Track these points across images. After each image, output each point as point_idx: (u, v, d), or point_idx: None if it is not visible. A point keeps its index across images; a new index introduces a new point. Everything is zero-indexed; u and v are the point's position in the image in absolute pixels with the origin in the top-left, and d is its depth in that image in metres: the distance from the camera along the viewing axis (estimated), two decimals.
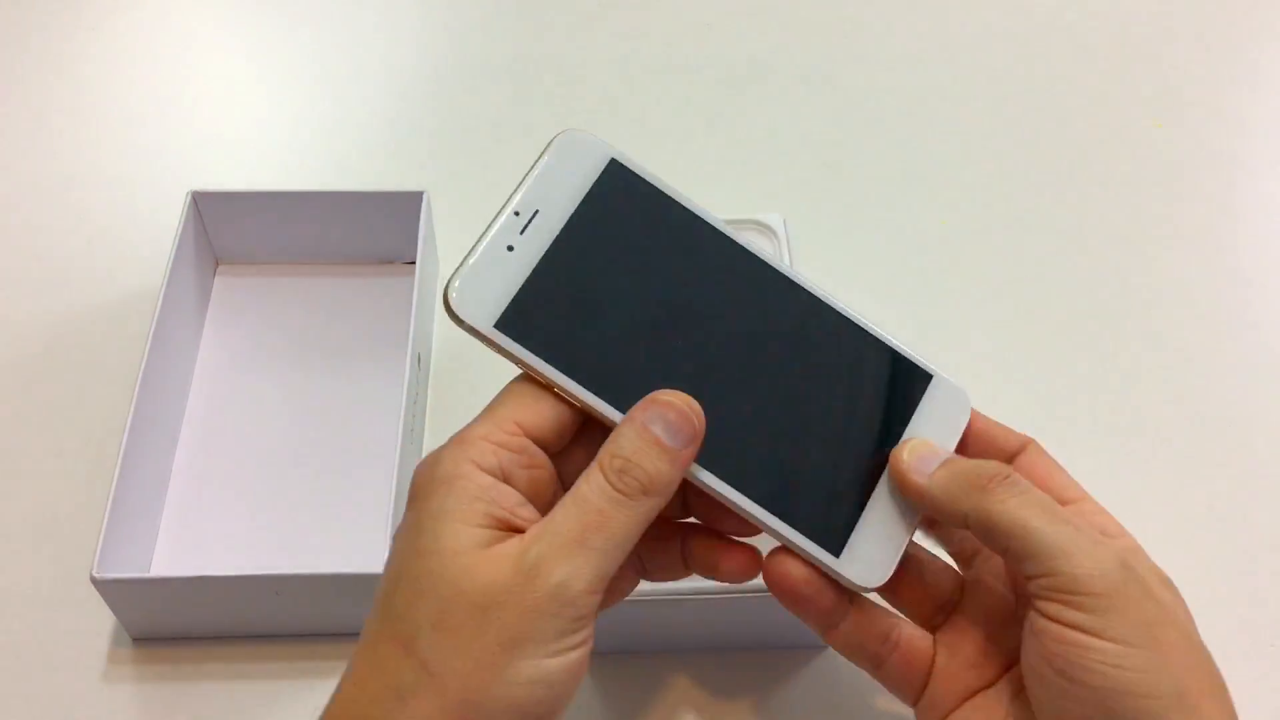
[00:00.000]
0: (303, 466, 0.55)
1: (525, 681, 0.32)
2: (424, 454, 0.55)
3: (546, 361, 0.36)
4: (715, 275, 0.39)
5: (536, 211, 0.38)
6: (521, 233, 0.37)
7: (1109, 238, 0.66)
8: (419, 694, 0.32)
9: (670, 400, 0.35)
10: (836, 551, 0.37)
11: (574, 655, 0.33)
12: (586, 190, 0.39)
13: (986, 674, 0.39)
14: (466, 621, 0.32)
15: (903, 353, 0.40)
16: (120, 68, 0.73)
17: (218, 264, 0.62)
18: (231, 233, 0.60)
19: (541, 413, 0.36)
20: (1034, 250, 0.66)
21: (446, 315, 0.37)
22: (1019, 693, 0.37)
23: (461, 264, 0.37)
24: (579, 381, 0.36)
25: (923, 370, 0.40)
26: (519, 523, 0.34)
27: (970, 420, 0.40)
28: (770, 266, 0.40)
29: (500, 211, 0.38)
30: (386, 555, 0.36)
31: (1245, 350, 0.62)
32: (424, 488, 0.35)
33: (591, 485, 0.34)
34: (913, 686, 0.39)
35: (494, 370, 0.51)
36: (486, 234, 0.37)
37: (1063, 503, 0.38)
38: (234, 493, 0.54)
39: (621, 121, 0.72)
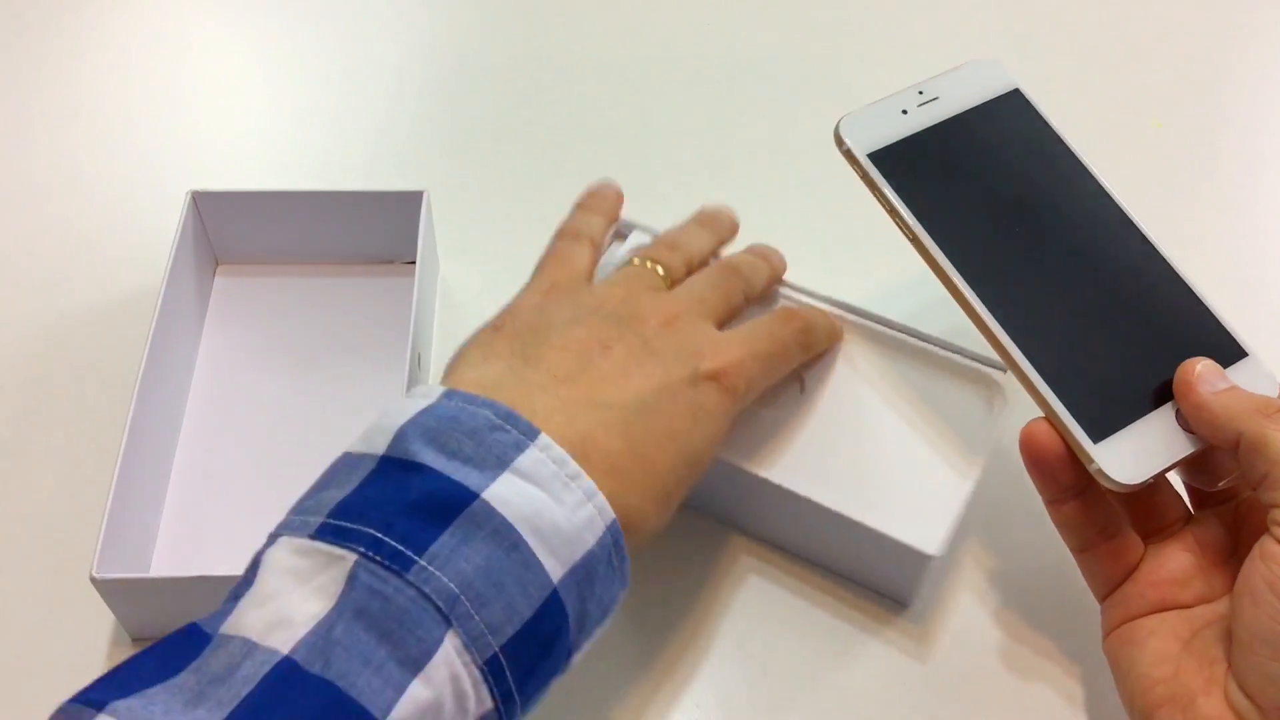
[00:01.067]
0: (303, 466, 0.54)
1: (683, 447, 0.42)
2: None
3: (899, 197, 0.44)
4: (1067, 200, 0.45)
5: (937, 98, 0.47)
6: (919, 106, 0.46)
7: None
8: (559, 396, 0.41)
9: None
10: (1096, 438, 0.40)
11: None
12: (984, 100, 0.47)
13: (1184, 595, 0.41)
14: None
15: (1225, 324, 0.44)
16: (120, 68, 0.73)
17: (218, 264, 0.62)
18: (231, 233, 0.60)
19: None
20: None
21: (835, 145, 0.46)
22: (1212, 623, 0.40)
23: (862, 108, 0.46)
24: (918, 218, 0.44)
25: (1239, 346, 0.43)
26: None
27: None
28: (1123, 213, 0.45)
29: (908, 87, 0.47)
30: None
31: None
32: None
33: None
34: (1107, 581, 0.42)
35: None
36: (890, 96, 0.46)
37: None
38: (234, 493, 0.54)
39: (622, 121, 0.72)
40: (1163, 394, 0.41)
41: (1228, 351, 0.43)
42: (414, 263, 0.55)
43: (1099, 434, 0.40)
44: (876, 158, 0.45)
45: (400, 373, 0.52)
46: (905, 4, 0.79)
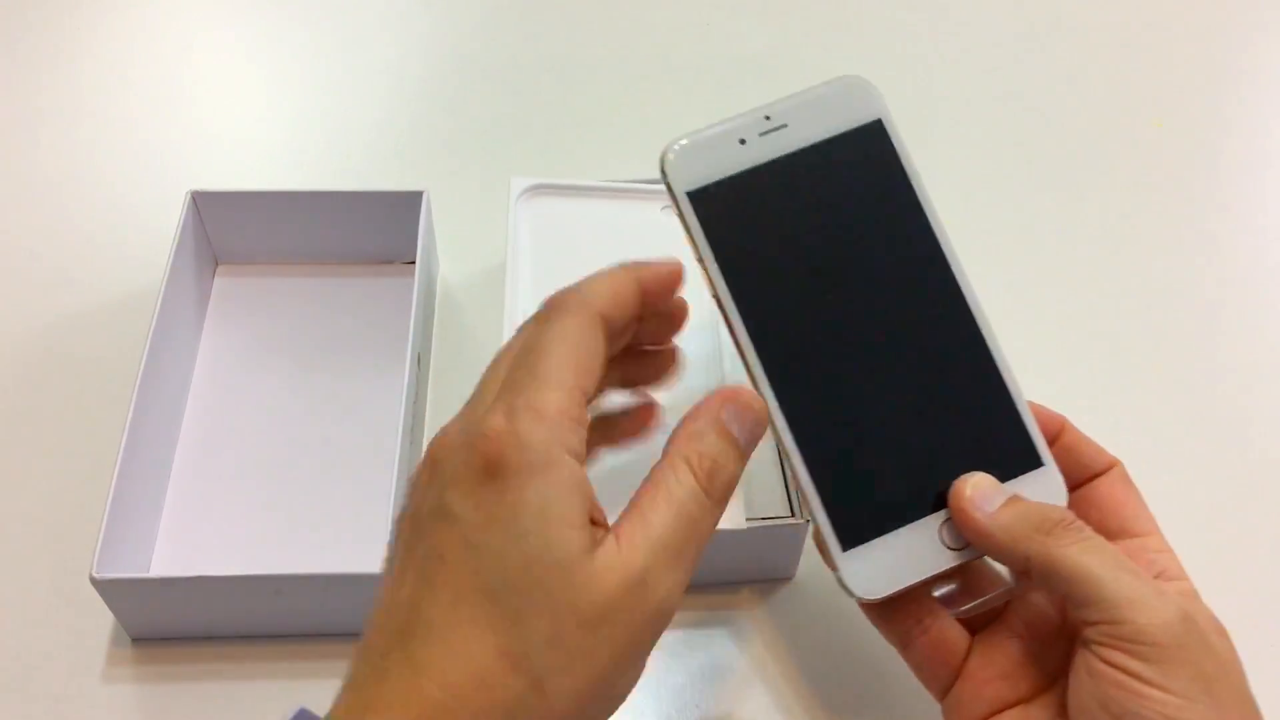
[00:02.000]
0: (303, 466, 0.55)
1: (621, 695, 0.33)
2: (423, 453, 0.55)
3: (708, 245, 0.38)
4: (892, 267, 0.39)
5: (785, 125, 0.40)
6: (761, 135, 0.39)
7: (1108, 237, 0.66)
8: (531, 715, 0.30)
9: (750, 402, 0.35)
10: (847, 544, 0.37)
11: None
12: (834, 133, 0.40)
13: (1020, 689, 0.38)
14: (581, 639, 0.31)
15: (1028, 429, 0.39)
16: (120, 67, 0.73)
17: (217, 264, 0.62)
18: (231, 232, 0.60)
19: (596, 372, 0.35)
20: (1033, 250, 0.66)
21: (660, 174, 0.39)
22: (1055, 718, 0.37)
23: (695, 132, 0.39)
24: (722, 272, 0.38)
25: (1036, 455, 0.39)
26: (600, 514, 0.33)
27: (1063, 431, 0.40)
28: (955, 286, 0.40)
29: (754, 110, 0.40)
30: (445, 526, 0.32)
31: (1245, 350, 0.62)
32: (513, 468, 0.31)
33: (684, 488, 0.33)
34: (939, 679, 0.39)
35: None
36: (730, 120, 0.39)
37: (1130, 534, 0.39)
38: (234, 493, 0.54)
39: (622, 121, 0.72)
40: (935, 501, 0.38)
41: (1020, 461, 0.39)
42: (414, 263, 0.55)
43: (851, 540, 0.37)
44: (697, 196, 0.38)
45: (400, 373, 0.51)
46: (905, 4, 0.79)
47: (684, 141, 0.39)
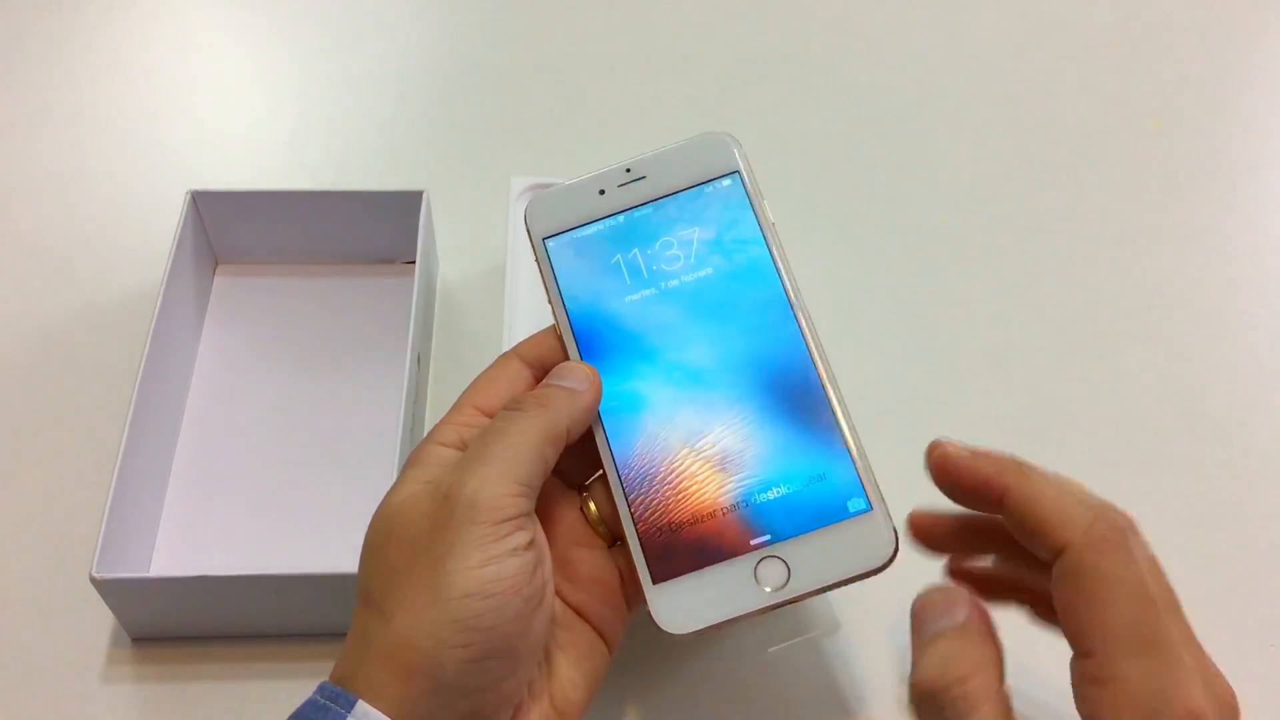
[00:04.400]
0: (303, 466, 0.55)
1: (460, 595, 0.33)
2: None
3: (559, 290, 0.41)
4: (739, 305, 0.40)
5: (644, 177, 0.42)
6: (620, 186, 0.42)
7: (1109, 237, 0.66)
8: (378, 636, 0.34)
9: (573, 365, 0.40)
10: (655, 579, 0.38)
11: (509, 563, 0.34)
12: (694, 183, 0.42)
13: None
14: (406, 560, 0.35)
15: (857, 468, 0.38)
16: (120, 67, 0.73)
17: (217, 263, 0.62)
18: (231, 232, 0.60)
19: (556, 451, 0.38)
20: (1034, 250, 0.66)
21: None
22: None
23: (557, 188, 0.42)
24: (569, 321, 0.40)
25: (863, 495, 0.38)
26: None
27: (951, 456, 0.38)
28: (795, 330, 0.40)
29: (616, 164, 0.42)
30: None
31: (1245, 350, 0.62)
32: (453, 513, 0.35)
33: (502, 415, 0.38)
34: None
35: None
36: (594, 173, 0.42)
37: (1081, 653, 0.34)
38: (234, 492, 0.54)
39: (622, 121, 0.72)
40: (755, 540, 0.38)
41: (845, 495, 0.38)
42: (414, 263, 0.55)
43: (663, 575, 0.38)
44: (551, 241, 0.41)
45: (400, 373, 0.51)
46: (906, 3, 0.79)
47: (549, 193, 0.42)
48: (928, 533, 0.40)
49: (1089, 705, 0.33)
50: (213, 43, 0.75)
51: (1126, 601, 0.33)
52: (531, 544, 0.36)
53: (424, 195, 0.57)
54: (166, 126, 0.70)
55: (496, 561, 0.34)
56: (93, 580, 0.45)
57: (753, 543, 0.38)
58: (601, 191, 0.42)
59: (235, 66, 0.74)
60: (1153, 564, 0.35)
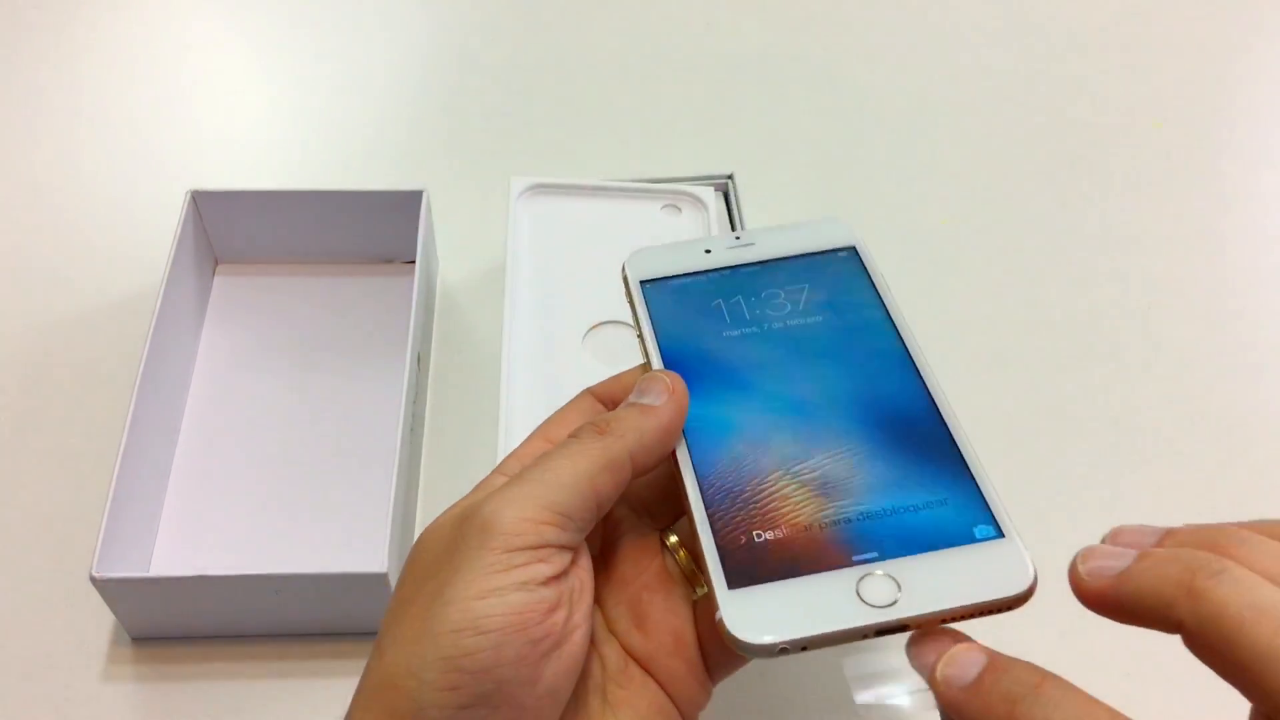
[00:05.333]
0: (303, 466, 0.55)
1: (450, 630, 0.29)
2: (423, 454, 0.55)
3: (651, 324, 0.39)
4: (849, 350, 0.38)
5: (754, 243, 0.41)
6: (728, 248, 0.41)
7: (1109, 237, 0.66)
8: (370, 673, 0.31)
9: (660, 372, 0.35)
10: (731, 585, 0.32)
11: (513, 597, 0.29)
12: (804, 252, 0.41)
13: None
14: (413, 589, 0.31)
15: (984, 491, 0.34)
16: (120, 67, 0.73)
17: (217, 263, 0.62)
18: (231, 232, 0.60)
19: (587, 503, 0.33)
20: (1034, 249, 0.66)
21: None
22: None
23: (666, 244, 0.41)
24: (659, 348, 0.38)
25: (992, 522, 0.33)
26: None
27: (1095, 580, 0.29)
28: (909, 365, 0.37)
29: (728, 233, 0.41)
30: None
31: (1245, 349, 0.62)
32: (465, 537, 0.32)
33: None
34: None
35: (493, 369, 0.51)
36: (708, 236, 0.42)
37: None
38: (234, 492, 0.54)
39: (622, 121, 0.72)
40: (860, 553, 0.32)
41: (969, 528, 0.33)
42: (414, 262, 0.55)
43: (742, 581, 0.32)
44: (649, 287, 0.40)
45: (400, 372, 0.51)
46: (906, 3, 0.79)
47: (649, 246, 0.41)
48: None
49: None
50: (213, 43, 0.75)
51: None
52: (555, 579, 0.31)
53: (424, 195, 0.58)
54: (166, 126, 0.70)
55: (499, 594, 0.29)
56: (93, 580, 0.45)
57: (855, 558, 0.32)
58: (708, 251, 0.41)
59: (235, 66, 0.74)
60: None
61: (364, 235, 0.60)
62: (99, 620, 0.49)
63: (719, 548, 0.33)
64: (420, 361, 0.56)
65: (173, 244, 0.55)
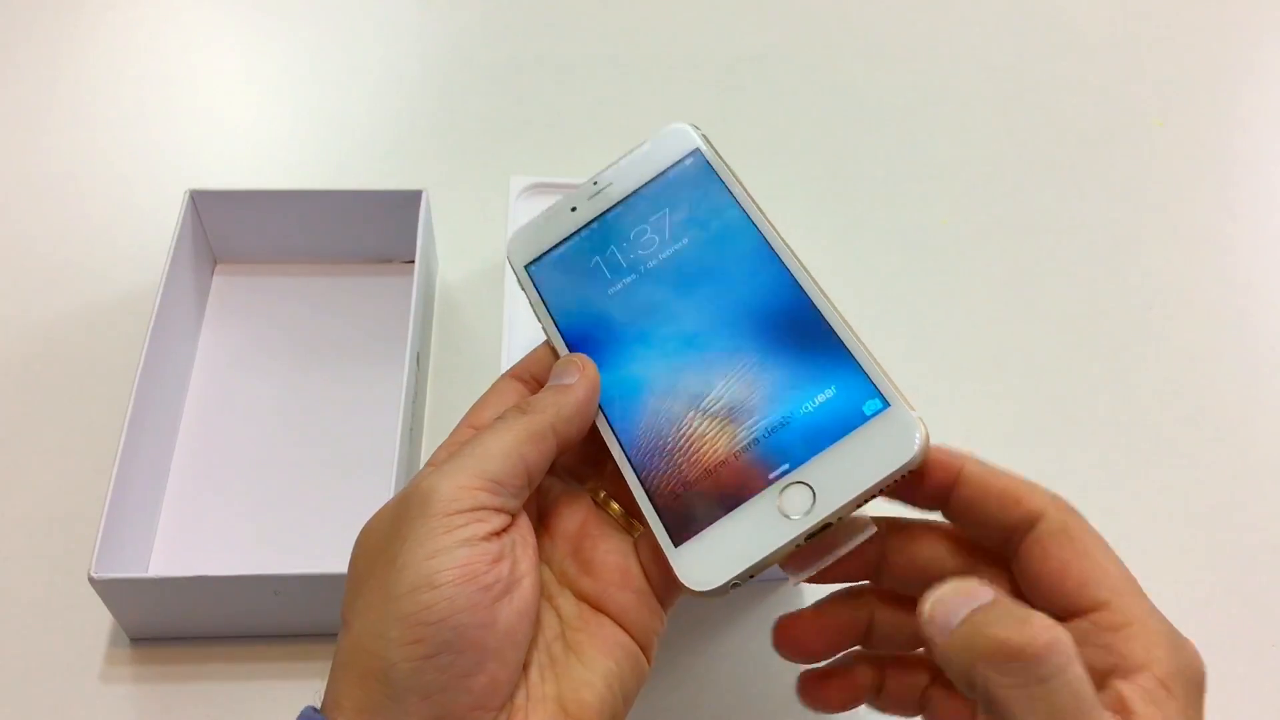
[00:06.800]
0: (302, 466, 0.55)
1: (407, 590, 0.32)
2: (423, 453, 0.55)
3: (546, 307, 0.40)
4: (725, 265, 0.40)
5: (610, 184, 0.42)
6: (589, 199, 0.42)
7: (1109, 236, 0.66)
8: (340, 648, 0.34)
9: (570, 356, 0.39)
10: (676, 543, 0.35)
11: (459, 552, 0.33)
12: (656, 174, 0.42)
13: None
14: (368, 567, 0.34)
15: (862, 364, 0.36)
16: (119, 66, 0.73)
17: (216, 263, 0.62)
18: (230, 231, 0.60)
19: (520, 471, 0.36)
20: (1035, 249, 0.66)
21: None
22: None
23: (534, 218, 0.42)
24: (559, 330, 0.40)
25: (876, 395, 0.35)
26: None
27: (959, 478, 0.35)
28: (782, 269, 0.39)
29: (586, 180, 0.42)
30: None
31: (1245, 349, 0.62)
32: (408, 510, 0.35)
33: None
34: None
35: (493, 369, 0.51)
36: (565, 196, 0.42)
37: (1075, 612, 0.33)
38: (233, 492, 0.53)
39: (622, 122, 0.72)
40: (775, 471, 0.35)
41: (858, 399, 0.35)
42: (413, 262, 0.55)
43: (682, 534, 0.35)
44: (533, 267, 0.41)
45: (399, 372, 0.51)
46: (906, 3, 0.79)
47: (524, 226, 0.42)
48: (794, 640, 0.38)
49: (1115, 653, 0.31)
50: (212, 42, 0.75)
51: (1114, 555, 0.34)
52: (495, 535, 0.34)
53: (423, 195, 0.57)
54: (166, 126, 0.70)
55: (446, 551, 0.32)
56: (91, 580, 0.45)
57: (770, 476, 0.35)
58: (573, 209, 0.42)
59: (235, 66, 0.74)
60: None
61: (363, 235, 0.60)
62: (97, 621, 0.49)
63: (656, 510, 0.36)
64: (420, 361, 0.55)
65: (171, 243, 0.55)
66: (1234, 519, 0.55)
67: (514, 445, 0.35)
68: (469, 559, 0.33)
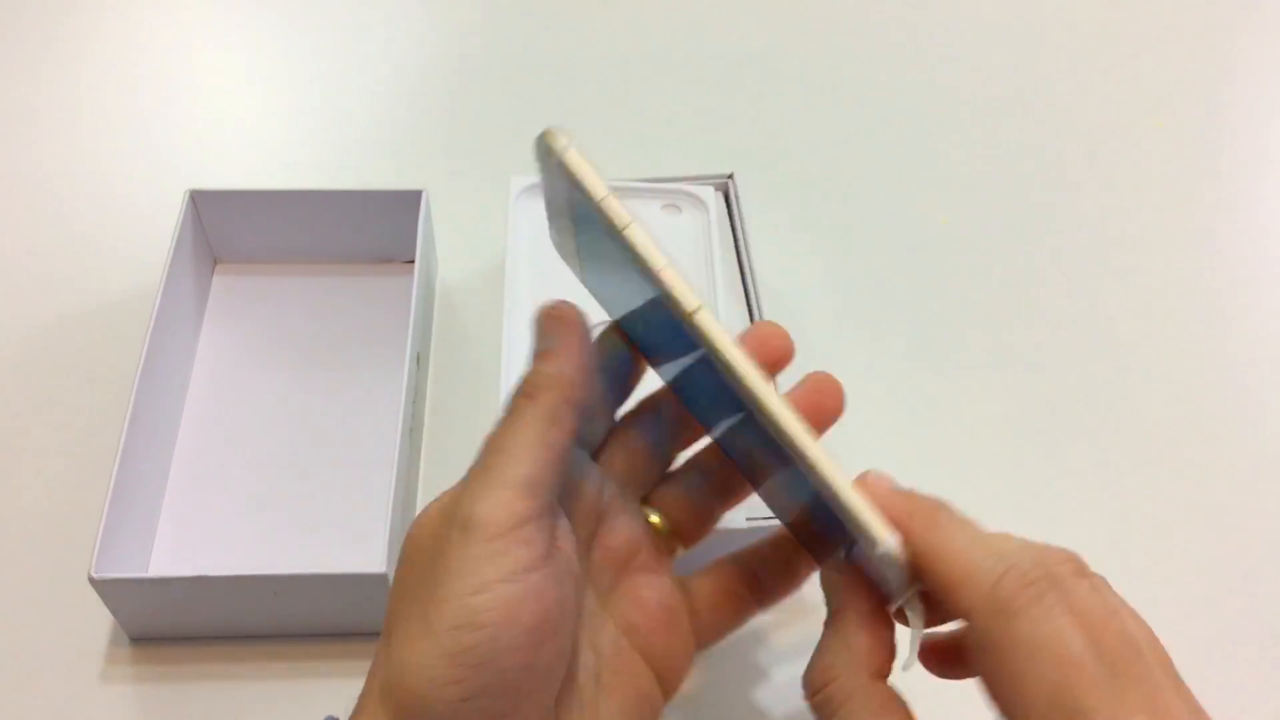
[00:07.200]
0: (302, 466, 0.55)
1: (449, 628, 0.30)
2: (423, 454, 0.55)
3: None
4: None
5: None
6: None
7: (1109, 237, 0.66)
8: (380, 668, 0.32)
9: (542, 309, 0.35)
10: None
11: (502, 590, 0.31)
12: None
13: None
14: (413, 585, 0.32)
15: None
16: (119, 66, 0.73)
17: (216, 263, 0.62)
18: (230, 231, 0.60)
19: (554, 458, 0.34)
20: (1035, 249, 0.66)
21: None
22: None
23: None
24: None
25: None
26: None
27: (869, 486, 0.33)
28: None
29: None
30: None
31: (1245, 349, 0.62)
32: (449, 534, 0.33)
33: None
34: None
35: (493, 369, 0.51)
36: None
37: None
38: (233, 492, 0.53)
39: (622, 122, 0.72)
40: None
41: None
42: (413, 262, 0.55)
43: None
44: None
45: (399, 372, 0.51)
46: (906, 3, 0.79)
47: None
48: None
49: None
50: (211, 42, 0.75)
51: (1043, 670, 0.28)
52: (541, 562, 0.32)
53: (423, 194, 0.57)
54: (166, 126, 0.70)
55: (489, 589, 0.31)
56: (91, 580, 0.45)
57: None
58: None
59: (235, 66, 0.74)
60: (1091, 616, 0.28)
61: (363, 235, 0.60)
62: (98, 621, 0.49)
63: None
64: (420, 361, 0.55)
65: (171, 243, 0.55)
66: (1234, 519, 0.55)
67: (535, 437, 0.33)
68: (513, 597, 0.31)
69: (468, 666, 0.30)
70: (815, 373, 0.37)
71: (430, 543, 0.33)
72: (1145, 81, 0.75)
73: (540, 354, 0.35)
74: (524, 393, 0.34)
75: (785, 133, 0.71)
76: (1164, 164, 0.70)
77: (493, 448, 0.33)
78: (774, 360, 0.36)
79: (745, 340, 0.35)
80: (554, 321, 0.35)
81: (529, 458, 0.33)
